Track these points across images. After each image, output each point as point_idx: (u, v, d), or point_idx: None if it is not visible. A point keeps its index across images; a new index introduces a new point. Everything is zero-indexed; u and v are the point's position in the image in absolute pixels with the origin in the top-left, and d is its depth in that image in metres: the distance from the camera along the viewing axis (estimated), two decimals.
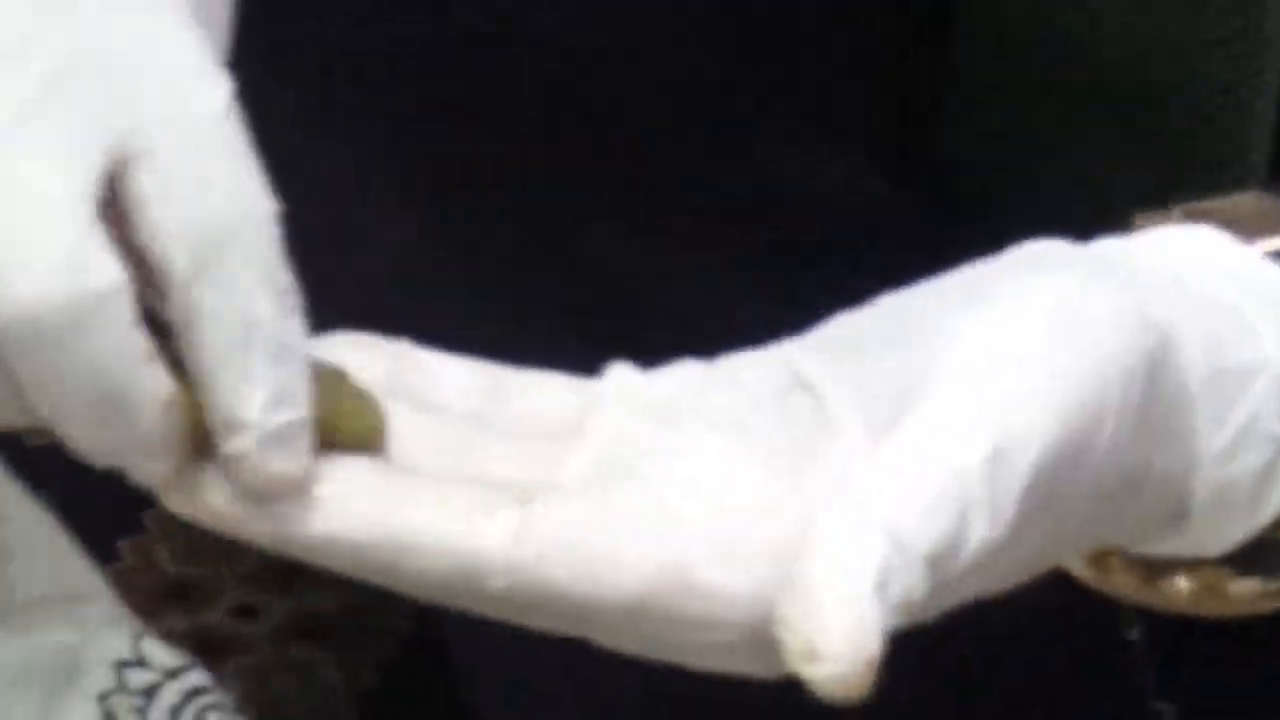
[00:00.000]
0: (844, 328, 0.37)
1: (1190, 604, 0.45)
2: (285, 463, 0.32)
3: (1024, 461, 0.33)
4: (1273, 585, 0.43)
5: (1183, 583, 0.44)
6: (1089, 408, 0.35)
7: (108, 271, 0.30)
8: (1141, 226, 0.41)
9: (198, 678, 0.47)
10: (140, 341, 0.30)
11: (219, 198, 0.32)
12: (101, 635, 0.48)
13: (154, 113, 0.33)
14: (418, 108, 0.53)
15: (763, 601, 0.31)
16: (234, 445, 0.31)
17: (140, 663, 0.47)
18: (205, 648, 0.48)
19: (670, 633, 0.33)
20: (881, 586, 0.30)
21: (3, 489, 0.51)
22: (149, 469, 0.32)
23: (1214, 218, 0.41)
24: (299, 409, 0.32)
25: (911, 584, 0.31)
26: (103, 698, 0.49)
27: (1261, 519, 0.39)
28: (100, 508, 0.52)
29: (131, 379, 0.31)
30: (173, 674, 0.49)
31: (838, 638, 0.29)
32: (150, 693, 0.48)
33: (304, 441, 0.32)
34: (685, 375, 0.37)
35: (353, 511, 0.33)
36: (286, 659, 0.48)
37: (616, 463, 0.35)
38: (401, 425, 0.35)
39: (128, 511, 0.54)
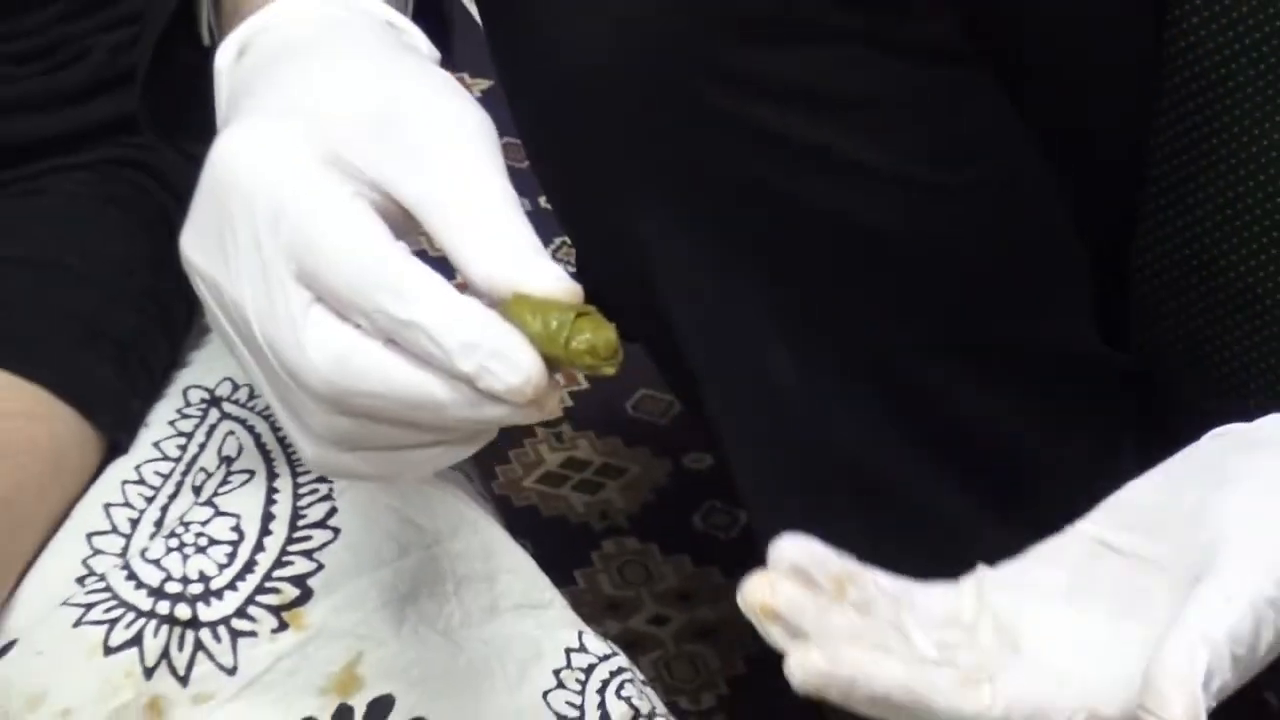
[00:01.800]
0: (1124, 506, 0.52)
1: None
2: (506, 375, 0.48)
3: None
4: None
5: None
6: None
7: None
8: None
9: (622, 662, 0.65)
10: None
11: None
12: (557, 631, 0.65)
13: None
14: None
15: (1130, 709, 0.46)
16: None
17: (582, 650, 0.65)
18: (629, 644, 0.64)
19: None
20: (1207, 683, 0.43)
21: (500, 539, 0.69)
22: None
23: None
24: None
25: (1226, 680, 0.44)
26: (556, 672, 0.65)
27: None
28: (562, 548, 0.70)
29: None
30: (604, 658, 0.66)
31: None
32: (589, 670, 0.65)
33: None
34: (1028, 561, 0.51)
35: (889, 674, 0.46)
36: (683, 652, 0.65)
37: (1008, 635, 0.49)
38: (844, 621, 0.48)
39: (581, 551, 0.71)
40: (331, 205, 0.54)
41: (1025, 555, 0.52)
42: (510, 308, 0.51)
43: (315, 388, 0.53)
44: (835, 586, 0.48)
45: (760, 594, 0.47)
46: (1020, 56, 0.73)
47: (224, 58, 0.60)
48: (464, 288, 0.52)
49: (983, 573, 0.51)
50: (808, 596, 0.48)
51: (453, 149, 0.55)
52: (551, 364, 0.51)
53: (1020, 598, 0.51)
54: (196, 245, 0.57)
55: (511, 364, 0.49)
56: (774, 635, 0.47)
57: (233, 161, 0.55)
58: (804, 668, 0.46)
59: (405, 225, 0.54)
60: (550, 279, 0.51)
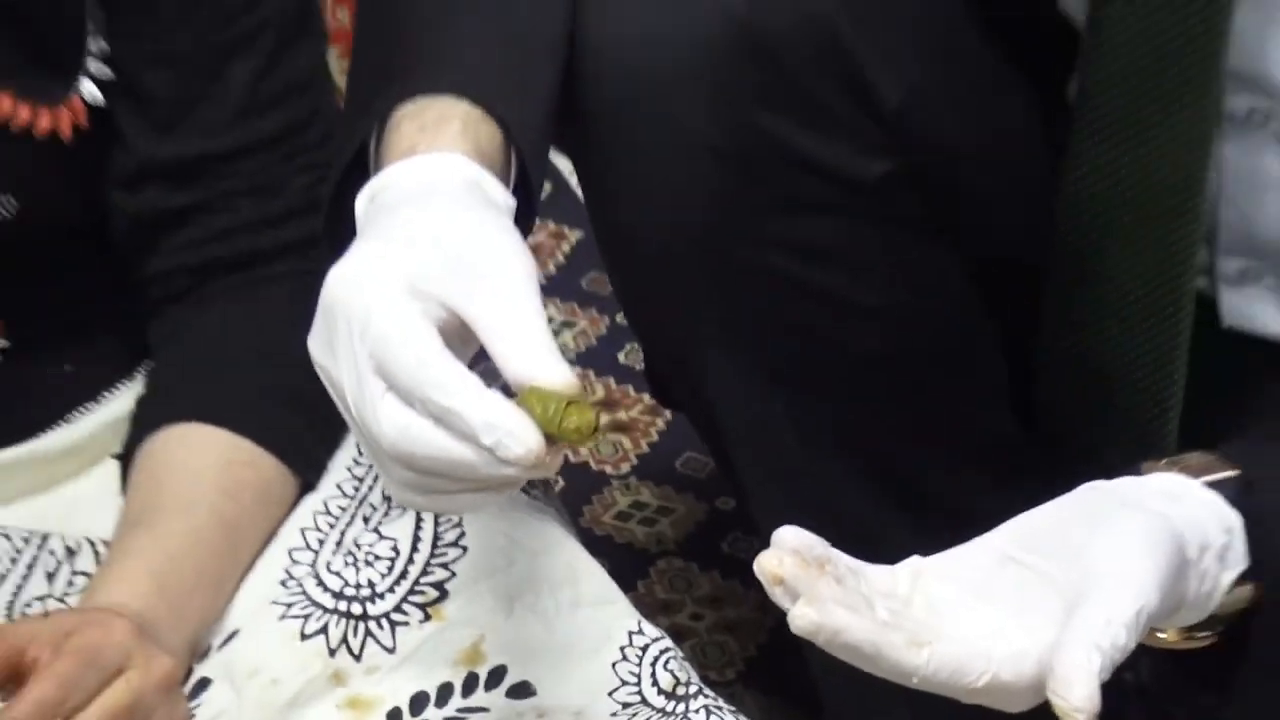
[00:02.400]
0: (1023, 530, 0.65)
1: (1165, 643, 0.71)
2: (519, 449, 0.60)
3: (1149, 608, 0.60)
4: (1195, 634, 0.70)
5: (1163, 635, 0.70)
6: (1171, 578, 0.63)
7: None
8: (1148, 471, 0.70)
9: (668, 644, 0.81)
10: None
11: None
12: (623, 620, 0.82)
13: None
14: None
15: (1038, 686, 0.59)
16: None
17: (640, 633, 0.82)
18: (674, 634, 0.83)
19: (991, 698, 0.61)
20: (1101, 674, 0.56)
21: (581, 555, 0.88)
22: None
23: (1181, 465, 0.70)
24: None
25: (1108, 670, 0.57)
26: (622, 649, 0.82)
27: (1203, 615, 0.67)
28: (627, 565, 0.86)
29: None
30: (656, 640, 0.82)
31: (1084, 703, 0.56)
32: (644, 649, 0.81)
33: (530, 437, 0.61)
34: (951, 558, 0.64)
35: (860, 630, 0.59)
36: (713, 640, 0.82)
37: (935, 612, 0.62)
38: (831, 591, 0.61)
39: (641, 567, 0.87)
40: (402, 323, 0.66)
41: (948, 553, 0.65)
42: (526, 396, 0.64)
43: (387, 450, 0.66)
44: (819, 564, 0.61)
45: (771, 565, 0.59)
46: (954, 208, 0.91)
47: (359, 203, 0.73)
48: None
49: (918, 561, 0.64)
50: (803, 568, 0.60)
51: (502, 281, 0.68)
52: (550, 439, 0.63)
53: (946, 585, 0.63)
54: (316, 344, 0.70)
55: (519, 440, 0.62)
56: (778, 595, 0.60)
57: (339, 284, 0.68)
58: (802, 618, 0.58)
59: (465, 334, 0.67)
60: (555, 376, 0.64)
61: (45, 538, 0.95)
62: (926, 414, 0.96)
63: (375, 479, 0.89)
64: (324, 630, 0.85)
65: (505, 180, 0.79)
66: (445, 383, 0.65)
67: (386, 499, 0.89)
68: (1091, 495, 0.69)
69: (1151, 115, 0.90)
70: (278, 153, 0.96)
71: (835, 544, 0.69)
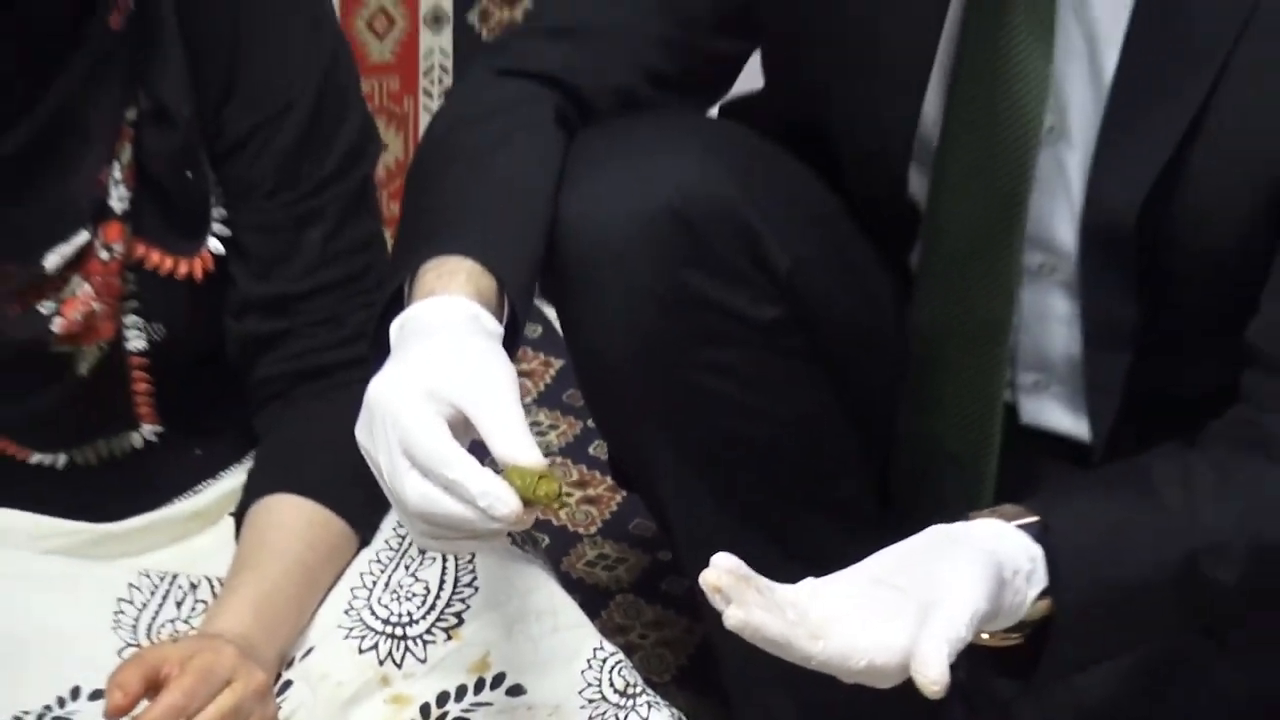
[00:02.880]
0: (887, 559, 0.82)
1: (985, 643, 0.88)
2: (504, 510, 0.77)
3: (979, 613, 0.77)
4: (1009, 636, 0.89)
5: (985, 636, 0.87)
6: (994, 593, 0.80)
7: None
8: (974, 518, 0.89)
9: (620, 656, 1.00)
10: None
11: None
12: (588, 640, 1.00)
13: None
14: None
15: (903, 669, 0.75)
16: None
17: (601, 649, 1.00)
18: (626, 649, 1.01)
19: (868, 678, 0.77)
20: (949, 659, 0.73)
21: (559, 593, 1.05)
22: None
23: (998, 514, 0.89)
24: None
25: (951, 656, 0.74)
26: (587, 659, 1.01)
27: (1014, 621, 0.85)
28: (593, 599, 1.07)
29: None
30: (612, 654, 1.02)
31: (939, 678, 0.73)
32: (604, 661, 1.01)
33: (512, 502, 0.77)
34: (837, 580, 0.80)
35: (776, 627, 0.74)
36: (655, 653, 1.03)
37: (828, 617, 0.76)
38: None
39: (604, 600, 1.10)
40: (421, 418, 0.83)
41: (834, 576, 0.82)
42: (509, 472, 0.81)
43: (411, 510, 0.84)
44: (744, 580, 0.77)
45: (712, 579, 0.76)
46: (829, 342, 1.11)
47: (393, 330, 0.90)
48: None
49: (813, 581, 0.81)
50: (734, 581, 0.76)
51: (491, 389, 0.85)
52: (526, 503, 0.81)
53: (834, 599, 0.81)
54: (361, 433, 0.88)
55: (504, 503, 0.80)
56: (717, 601, 0.76)
57: (377, 389, 0.85)
58: (734, 617, 0.75)
59: (466, 426, 0.84)
60: (529, 458, 0.82)
61: (175, 576, 1.10)
62: (808, 494, 1.15)
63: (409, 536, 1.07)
64: (375, 647, 1.04)
65: (499, 315, 0.96)
66: (451, 462, 0.82)
67: (421, 552, 1.07)
68: (935, 535, 0.87)
69: (972, 274, 1.10)
70: (342, 294, 1.13)
71: None
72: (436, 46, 1.92)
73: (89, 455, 1.15)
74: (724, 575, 0.77)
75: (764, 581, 0.80)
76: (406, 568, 1.08)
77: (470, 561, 1.08)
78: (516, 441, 0.85)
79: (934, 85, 1.11)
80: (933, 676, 0.78)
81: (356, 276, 1.14)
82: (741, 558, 0.83)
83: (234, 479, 1.21)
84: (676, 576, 1.57)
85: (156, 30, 1.05)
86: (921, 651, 0.78)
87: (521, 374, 1.71)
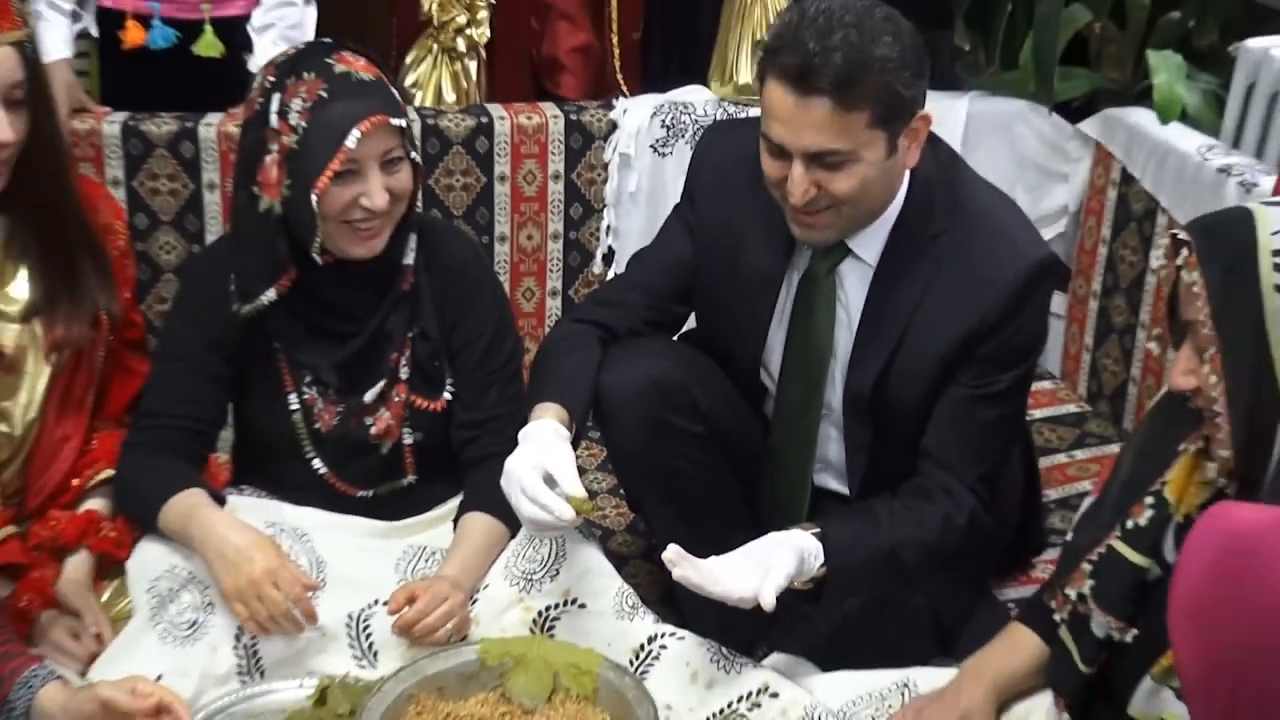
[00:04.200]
0: (749, 546, 1.61)
1: (794, 587, 1.62)
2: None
3: (790, 574, 1.55)
4: (807, 584, 1.67)
5: (796, 584, 1.65)
6: (797, 565, 1.59)
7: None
8: (791, 529, 1.68)
9: (636, 598, 1.80)
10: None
11: None
12: (615, 582, 1.78)
13: None
14: None
15: (755, 599, 1.54)
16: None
17: (623, 592, 1.81)
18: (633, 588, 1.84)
19: (741, 603, 1.54)
20: (775, 593, 1.55)
21: (603, 560, 1.82)
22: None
23: (803, 527, 1.67)
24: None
25: (777, 592, 1.55)
26: (615, 593, 1.79)
27: (808, 578, 1.66)
28: (619, 562, 1.97)
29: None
30: (629, 594, 1.79)
31: (769, 604, 1.54)
32: (626, 596, 1.79)
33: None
34: (728, 558, 1.58)
35: (695, 575, 1.56)
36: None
37: (720, 575, 1.54)
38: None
39: (623, 562, 2.02)
40: (529, 477, 1.58)
41: (726, 555, 1.57)
42: (569, 499, 1.60)
43: (527, 520, 1.59)
44: (683, 557, 1.57)
45: (668, 555, 1.58)
46: (729, 442, 1.89)
47: (520, 435, 1.67)
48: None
49: (716, 558, 1.58)
50: (678, 557, 1.58)
51: (560, 461, 1.60)
52: (577, 513, 1.60)
53: (725, 564, 1.58)
54: (504, 483, 1.59)
55: (566, 513, 1.58)
56: (671, 566, 1.56)
57: (509, 464, 1.62)
58: (678, 574, 1.56)
59: (550, 479, 1.60)
60: (577, 492, 1.58)
61: (424, 548, 1.90)
62: (719, 516, 1.88)
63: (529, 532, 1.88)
64: (517, 584, 1.81)
65: (570, 429, 1.74)
66: (543, 496, 1.61)
67: (534, 539, 1.80)
68: (774, 536, 1.68)
69: (796, 418, 1.88)
70: (504, 421, 1.83)
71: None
72: (553, 308, 2.86)
73: (383, 490, 1.97)
74: (673, 553, 1.62)
75: (693, 558, 1.64)
76: (533, 546, 1.84)
77: (561, 545, 1.84)
78: (571, 486, 1.64)
79: (773, 338, 1.87)
80: (768, 602, 1.60)
81: (510, 414, 1.87)
82: (683, 546, 1.63)
83: (452, 502, 1.97)
84: (658, 552, 1.86)
85: (423, 293, 1.92)
86: (764, 591, 1.61)
87: (588, 453, 2.47)
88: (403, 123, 1.77)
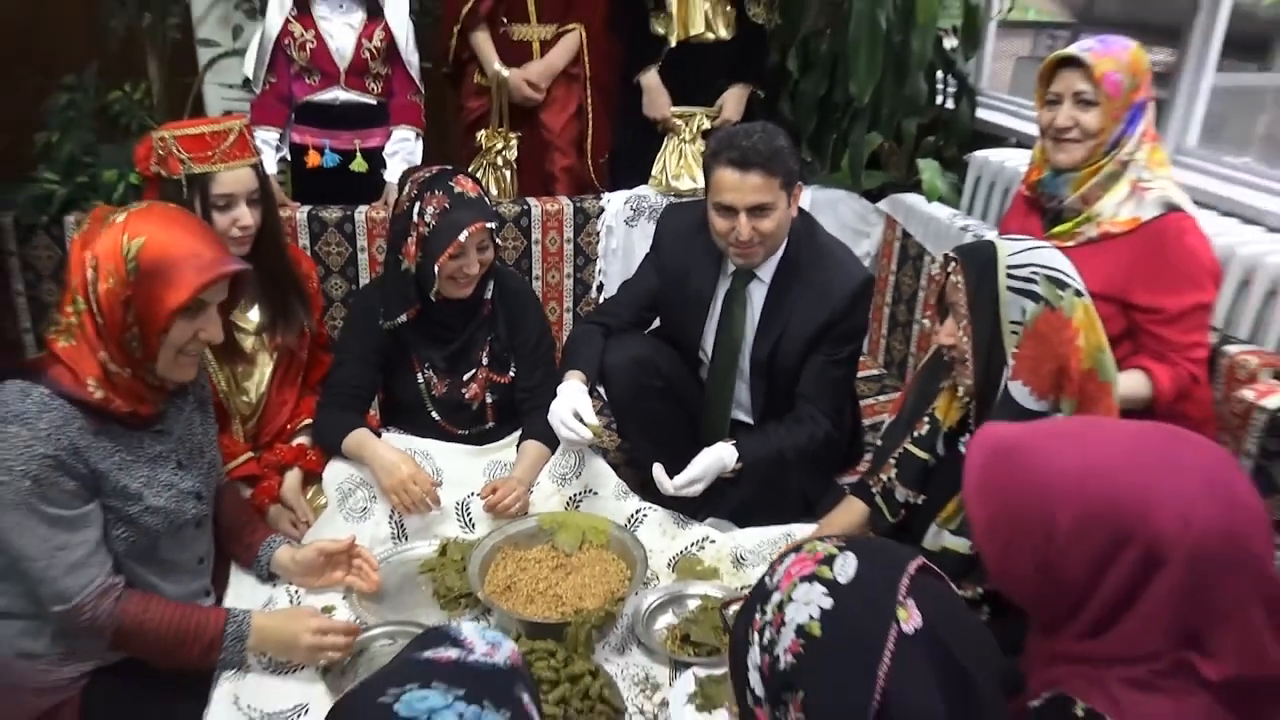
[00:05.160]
0: (694, 462, 2.09)
1: (723, 475, 2.20)
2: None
3: (715, 472, 2.09)
4: (729, 473, 2.18)
5: (724, 474, 2.20)
6: (721, 465, 2.11)
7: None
8: (715, 444, 2.21)
9: (637, 501, 2.31)
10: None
11: None
12: (617, 484, 2.29)
13: None
14: None
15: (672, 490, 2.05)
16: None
17: (626, 492, 2.30)
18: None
19: (681, 494, 2.09)
20: (702, 486, 2.08)
21: (605, 467, 2.30)
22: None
23: (726, 442, 2.22)
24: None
25: (706, 485, 2.08)
26: (615, 488, 2.27)
27: (728, 469, 2.21)
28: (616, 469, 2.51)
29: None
30: (629, 493, 2.29)
31: (681, 491, 2.06)
32: (627, 494, 2.27)
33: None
34: (683, 474, 2.07)
35: (663, 482, 2.08)
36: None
37: (672, 483, 2.07)
38: None
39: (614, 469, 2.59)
40: (564, 413, 2.06)
41: (681, 474, 2.07)
42: (589, 426, 2.04)
43: (564, 438, 2.09)
44: (660, 471, 2.05)
45: (656, 473, 2.04)
46: (677, 393, 2.40)
47: (559, 389, 2.19)
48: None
49: (663, 473, 2.07)
50: (660, 472, 2.05)
51: (582, 402, 2.06)
52: (594, 435, 2.04)
53: (678, 477, 2.07)
54: (549, 418, 2.14)
55: (584, 435, 2.04)
56: (655, 476, 2.04)
57: (552, 407, 2.10)
58: (659, 479, 2.04)
59: (577, 414, 2.06)
60: (594, 422, 2.05)
61: (501, 461, 2.24)
62: (676, 438, 2.32)
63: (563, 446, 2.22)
64: (556, 481, 2.19)
65: (587, 386, 2.15)
66: (572, 423, 2.06)
67: (565, 451, 2.22)
68: (708, 451, 2.08)
69: (723, 375, 2.29)
70: (544, 386, 2.25)
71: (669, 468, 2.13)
72: (567, 320, 3.23)
73: (473, 430, 2.28)
74: (657, 470, 2.02)
75: (662, 473, 2.04)
76: (565, 458, 2.19)
77: (582, 457, 2.18)
78: (590, 418, 2.02)
79: (708, 329, 2.26)
80: (667, 491, 1.99)
81: (548, 383, 2.21)
82: (651, 459, 2.05)
83: (514, 435, 2.28)
84: (636, 462, 2.37)
85: (497, 313, 2.27)
86: (666, 486, 2.01)
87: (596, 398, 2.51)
88: (493, 225, 2.10)
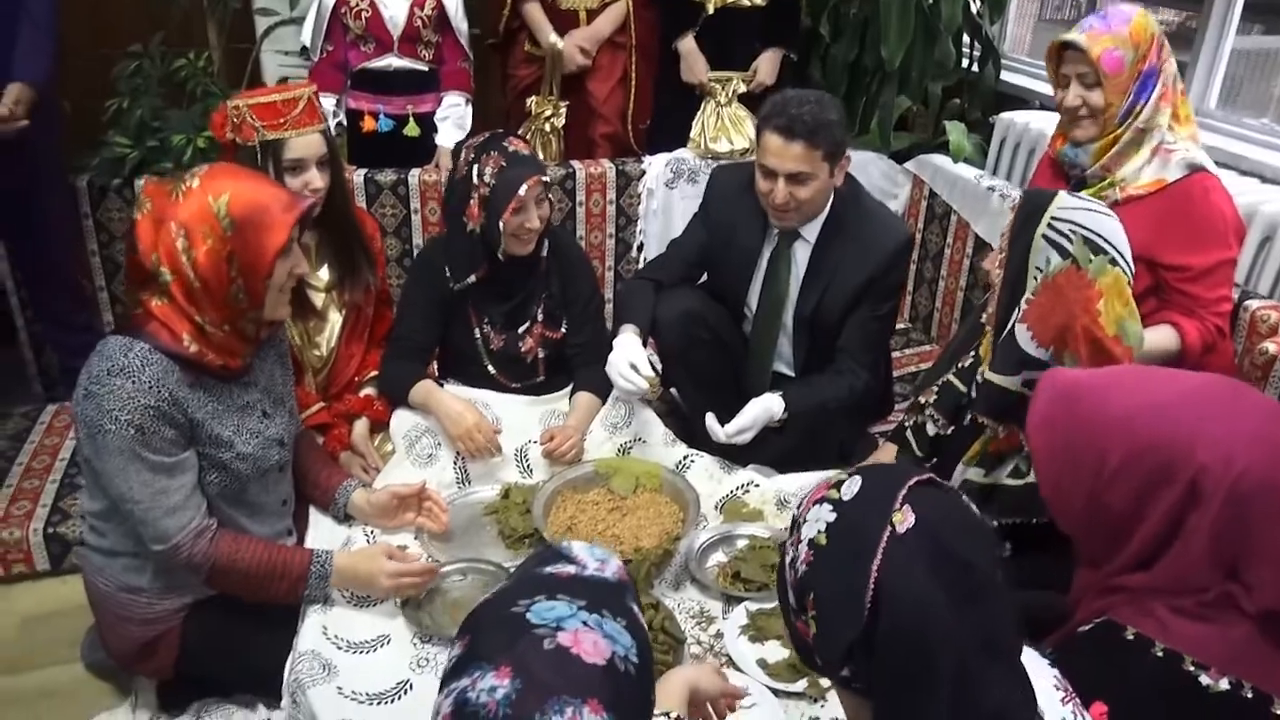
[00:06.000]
0: (742, 413, 2.12)
1: (770, 424, 2.25)
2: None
3: (763, 421, 2.12)
4: (777, 421, 2.24)
5: (774, 421, 2.28)
6: (770, 415, 2.17)
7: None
8: (761, 395, 2.26)
9: (683, 448, 2.40)
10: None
11: None
12: (664, 431, 2.33)
13: None
14: None
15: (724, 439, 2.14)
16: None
17: (675, 439, 2.36)
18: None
19: (734, 442, 2.12)
20: (751, 434, 2.12)
21: (654, 417, 2.35)
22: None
23: (771, 394, 2.26)
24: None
25: (753, 434, 2.12)
26: (664, 435, 2.32)
27: (779, 418, 2.22)
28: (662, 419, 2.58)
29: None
30: (676, 439, 2.33)
31: (731, 439, 2.11)
32: (675, 441, 2.33)
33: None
34: (731, 424, 2.13)
35: (715, 430, 2.14)
36: None
37: (723, 431, 2.16)
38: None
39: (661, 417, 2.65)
40: (622, 364, 2.07)
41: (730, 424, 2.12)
42: (645, 376, 2.05)
43: (621, 389, 2.10)
44: (713, 420, 2.09)
45: (709, 422, 2.09)
46: (725, 342, 2.44)
47: (615, 341, 2.20)
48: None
49: (715, 421, 2.16)
50: (713, 422, 2.10)
51: (638, 353, 2.08)
52: (650, 386, 2.07)
53: (728, 426, 2.11)
54: (607, 369, 2.18)
55: (644, 385, 2.05)
56: (709, 426, 2.10)
57: (610, 358, 2.17)
58: (711, 429, 2.08)
59: (634, 365, 2.06)
60: (649, 374, 2.05)
61: (555, 410, 2.28)
62: (725, 387, 2.35)
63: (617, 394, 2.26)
64: (609, 430, 2.25)
65: (642, 338, 2.16)
66: (629, 374, 2.06)
67: (617, 400, 2.27)
68: (755, 402, 2.12)
69: (766, 329, 2.32)
70: (595, 343, 2.30)
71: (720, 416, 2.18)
72: (609, 278, 3.24)
73: (528, 383, 2.30)
74: (710, 419, 2.06)
75: (714, 422, 2.08)
76: (615, 408, 2.24)
77: (632, 407, 2.25)
78: (645, 369, 2.04)
79: (753, 286, 2.29)
80: (719, 438, 2.04)
81: (595, 340, 2.28)
82: (699, 409, 2.09)
83: (566, 389, 2.31)
84: (684, 411, 2.45)
85: (551, 271, 2.31)
86: (718, 434, 2.06)
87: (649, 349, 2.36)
88: (548, 178, 2.14)
